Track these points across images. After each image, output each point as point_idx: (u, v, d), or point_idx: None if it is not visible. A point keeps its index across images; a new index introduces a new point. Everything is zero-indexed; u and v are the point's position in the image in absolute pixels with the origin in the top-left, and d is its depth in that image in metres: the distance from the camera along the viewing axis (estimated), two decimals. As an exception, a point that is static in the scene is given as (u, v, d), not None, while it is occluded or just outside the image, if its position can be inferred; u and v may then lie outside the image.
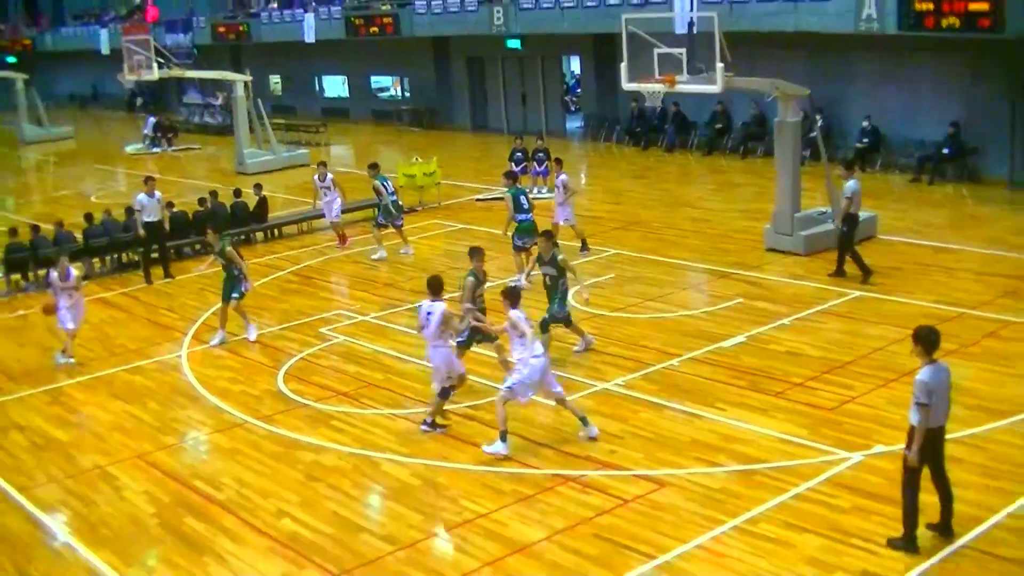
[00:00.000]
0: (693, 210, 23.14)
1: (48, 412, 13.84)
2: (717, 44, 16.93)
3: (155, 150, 39.12)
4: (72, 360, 15.38)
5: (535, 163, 25.18)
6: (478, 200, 25.26)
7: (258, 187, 23.31)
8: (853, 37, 24.05)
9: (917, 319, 14.26)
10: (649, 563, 9.08)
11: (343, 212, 22.06)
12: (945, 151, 23.66)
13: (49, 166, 39.38)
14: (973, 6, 20.38)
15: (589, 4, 30.22)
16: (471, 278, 13.07)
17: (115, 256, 21.20)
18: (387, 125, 40.78)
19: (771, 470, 10.58)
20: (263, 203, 23.05)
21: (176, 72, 35.09)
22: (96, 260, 20.83)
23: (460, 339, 12.90)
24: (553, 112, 36.30)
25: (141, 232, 19.71)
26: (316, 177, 21.71)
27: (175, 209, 21.82)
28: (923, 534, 8.95)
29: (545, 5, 31.74)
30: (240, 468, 11.62)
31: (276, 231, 23.14)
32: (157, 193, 19.85)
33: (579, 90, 38.38)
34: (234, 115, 32.56)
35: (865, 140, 25.43)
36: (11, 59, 54.55)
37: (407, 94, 41.51)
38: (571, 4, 30.84)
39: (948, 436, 10.62)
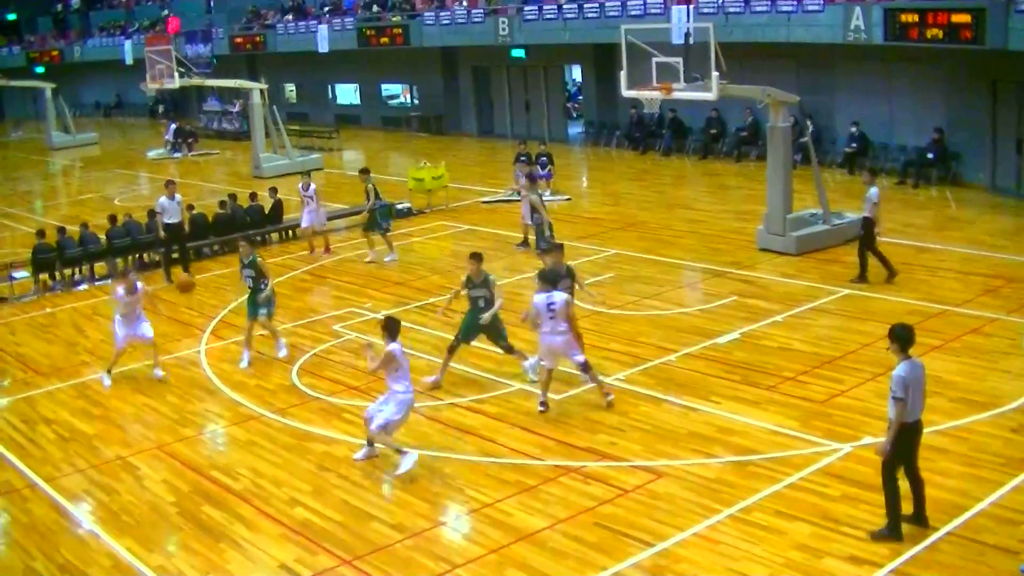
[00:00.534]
0: (689, 212, 23.40)
1: (74, 406, 14.02)
2: (712, 54, 17.17)
3: (176, 155, 39.56)
4: (161, 373, 14.70)
5: (538, 167, 25.58)
6: (484, 203, 25.61)
7: (273, 190, 23.71)
8: (842, 47, 24.51)
9: (902, 316, 14.64)
10: (647, 550, 9.25)
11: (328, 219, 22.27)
12: (929, 156, 24.01)
13: (75, 171, 39.62)
14: (956, 18, 20.77)
15: (590, 15, 30.56)
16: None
17: (137, 256, 21.53)
18: (397, 131, 41.12)
19: (764, 461, 10.76)
20: (278, 205, 23.40)
21: (196, 81, 35.87)
22: (119, 260, 21.14)
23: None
24: (555, 118, 36.67)
25: (162, 234, 20.02)
26: (300, 186, 21.56)
27: (195, 211, 22.28)
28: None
29: (548, 16, 32.10)
30: (255, 459, 11.81)
31: (290, 232, 23.36)
32: (178, 196, 20.21)
33: (580, 97, 38.71)
34: (251, 122, 33.17)
35: (853, 145, 25.86)
36: (40, 69, 55.24)
37: (416, 101, 41.83)
38: (573, 15, 31.20)
39: (932, 428, 10.91)
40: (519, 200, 21.18)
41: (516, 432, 12.00)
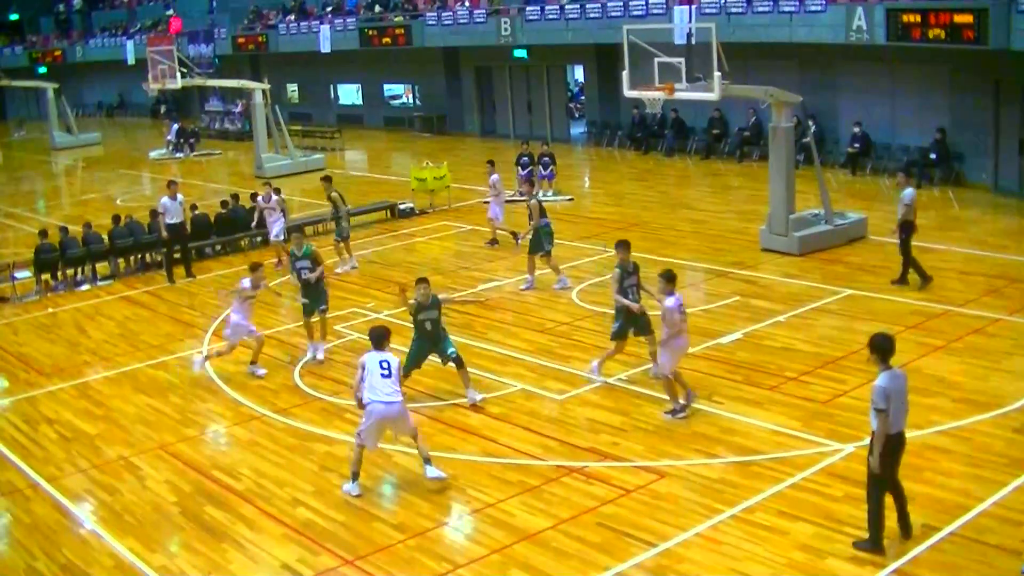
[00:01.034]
0: (691, 212, 23.43)
1: (76, 406, 14.05)
2: (715, 54, 17.19)
3: (178, 155, 39.61)
4: (263, 371, 14.59)
5: (540, 167, 25.60)
6: (486, 203, 25.58)
7: (276, 190, 23.66)
8: (844, 48, 24.54)
9: (905, 316, 14.76)
10: (650, 550, 9.26)
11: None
12: (932, 156, 24.00)
13: (77, 171, 39.69)
14: (958, 19, 20.77)
15: (592, 16, 30.61)
16: (618, 270, 13.00)
17: (140, 256, 21.55)
18: (399, 131, 41.17)
19: (767, 461, 10.77)
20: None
21: (198, 81, 35.85)
22: (121, 260, 21.28)
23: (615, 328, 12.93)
24: (558, 119, 36.69)
25: (164, 234, 20.03)
26: (261, 198, 21.03)
27: (197, 212, 22.29)
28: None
29: (550, 17, 32.15)
30: (257, 459, 11.84)
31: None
32: (180, 196, 20.20)
33: (583, 97, 38.77)
34: (253, 122, 33.14)
35: (856, 145, 25.86)
36: (43, 70, 55.43)
37: (418, 102, 41.89)
38: (575, 16, 31.25)
39: (934, 428, 11.04)
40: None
41: (518, 432, 12.02)
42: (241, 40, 46.54)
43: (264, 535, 10.10)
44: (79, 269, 20.85)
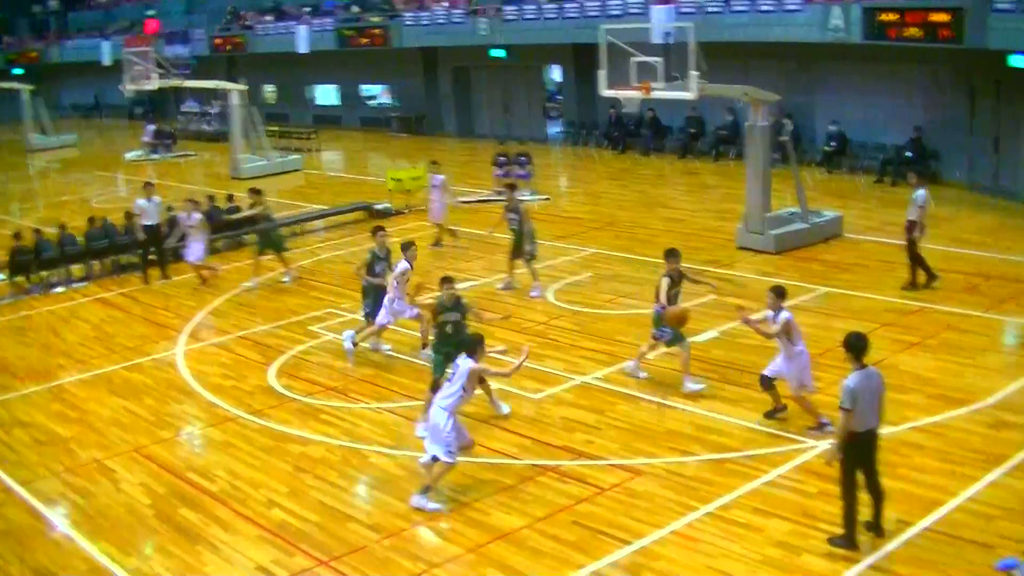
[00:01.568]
0: (667, 210, 23.49)
1: (50, 409, 13.92)
2: (692, 54, 17.25)
3: (154, 157, 39.36)
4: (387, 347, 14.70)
5: (517, 166, 25.60)
6: (461, 203, 25.57)
7: (255, 191, 23.53)
8: (821, 47, 24.65)
9: (881, 313, 14.83)
10: (625, 548, 9.27)
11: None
12: (908, 154, 24.14)
13: (53, 173, 39.36)
14: (934, 17, 20.96)
15: (570, 16, 30.67)
16: (667, 279, 12.74)
17: (115, 258, 21.33)
18: (377, 132, 41.08)
19: (742, 458, 10.81)
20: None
21: (175, 82, 35.61)
22: (96, 262, 21.07)
23: (665, 336, 12.70)
24: (535, 118, 36.69)
25: (140, 235, 19.90)
26: (182, 216, 19.68)
27: (173, 213, 22.10)
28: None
29: (528, 17, 32.18)
30: (232, 460, 11.78)
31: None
32: (156, 198, 20.08)
33: (560, 97, 38.75)
34: (230, 123, 32.93)
35: (832, 144, 26.02)
36: (18, 71, 54.93)
37: (397, 102, 41.81)
38: (552, 16, 31.31)
39: (909, 424, 11.10)
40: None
41: (494, 431, 11.99)
42: (218, 41, 46.39)
43: (239, 536, 10.05)
44: (54, 271, 20.65)
